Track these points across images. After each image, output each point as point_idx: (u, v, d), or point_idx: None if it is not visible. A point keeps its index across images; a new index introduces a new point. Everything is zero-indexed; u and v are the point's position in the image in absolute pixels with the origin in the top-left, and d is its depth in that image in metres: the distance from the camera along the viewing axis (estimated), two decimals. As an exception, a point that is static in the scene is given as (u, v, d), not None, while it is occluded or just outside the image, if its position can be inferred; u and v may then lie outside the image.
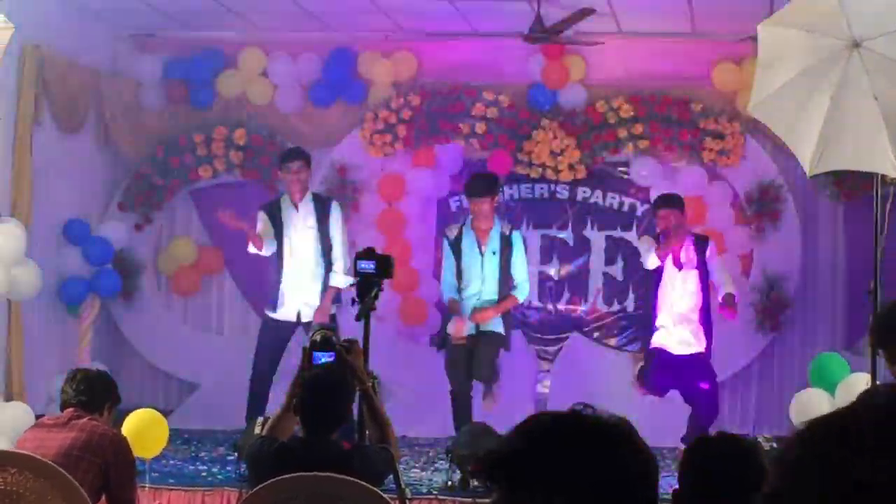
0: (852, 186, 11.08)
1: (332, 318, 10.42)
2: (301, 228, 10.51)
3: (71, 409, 6.28)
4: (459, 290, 10.36)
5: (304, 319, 10.38)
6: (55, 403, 6.47)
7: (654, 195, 11.12)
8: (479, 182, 10.49)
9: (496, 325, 10.36)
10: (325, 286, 10.48)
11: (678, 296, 10.15)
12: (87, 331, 11.65)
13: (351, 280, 10.42)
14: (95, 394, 6.36)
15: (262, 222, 10.53)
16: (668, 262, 10.15)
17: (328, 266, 10.48)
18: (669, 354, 10.09)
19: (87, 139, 11.85)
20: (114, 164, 12.36)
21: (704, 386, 9.99)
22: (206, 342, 12.39)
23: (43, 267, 10.31)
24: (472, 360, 10.27)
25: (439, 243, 11.54)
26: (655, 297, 10.29)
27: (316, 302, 10.44)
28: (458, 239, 10.39)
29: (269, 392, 10.22)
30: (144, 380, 12.32)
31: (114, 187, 12.35)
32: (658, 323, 10.20)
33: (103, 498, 6.16)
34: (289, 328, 10.50)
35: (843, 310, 11.74)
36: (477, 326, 10.28)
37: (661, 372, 10.14)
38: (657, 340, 10.18)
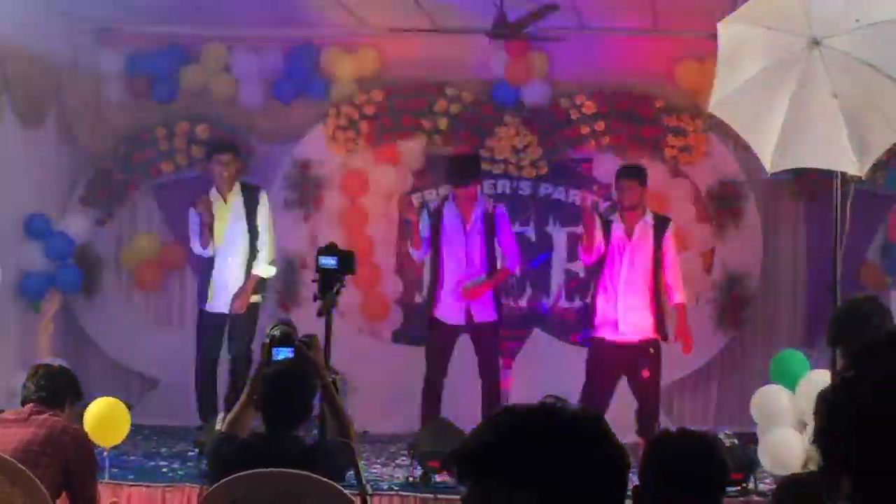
0: (813, 184, 11.11)
1: (255, 307, 10.41)
2: (231, 220, 10.44)
3: (31, 405, 6.24)
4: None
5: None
6: (15, 399, 6.44)
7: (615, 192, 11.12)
8: (460, 167, 10.49)
9: (489, 314, 10.30)
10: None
11: (625, 270, 10.00)
12: (47, 326, 11.61)
13: (274, 270, 10.51)
14: (57, 389, 6.32)
15: (195, 224, 10.50)
16: (619, 232, 10.05)
17: (255, 255, 10.44)
18: (612, 344, 10.03)
19: (48, 134, 11.79)
20: (75, 159, 12.29)
21: (645, 374, 9.89)
22: (168, 338, 12.33)
23: (3, 262, 10.29)
24: (476, 357, 10.27)
25: (405, 237, 11.58)
26: (599, 280, 10.12)
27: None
28: (439, 213, 10.35)
29: (216, 385, 10.28)
30: (105, 375, 12.26)
31: (75, 182, 12.29)
32: (599, 305, 10.07)
33: (63, 495, 6.13)
34: (223, 320, 10.48)
35: (804, 307, 11.80)
36: (470, 316, 10.24)
37: (606, 366, 10.07)
38: (601, 324, 10.08)
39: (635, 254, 9.99)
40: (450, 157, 11.12)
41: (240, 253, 10.46)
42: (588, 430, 2.18)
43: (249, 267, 10.45)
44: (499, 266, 10.31)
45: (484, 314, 10.23)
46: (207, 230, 10.37)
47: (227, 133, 12.12)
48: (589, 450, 2.16)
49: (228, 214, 10.46)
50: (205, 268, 10.61)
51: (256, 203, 10.49)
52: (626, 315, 9.96)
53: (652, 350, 9.96)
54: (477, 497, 2.17)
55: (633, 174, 10.11)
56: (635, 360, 9.92)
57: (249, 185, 10.75)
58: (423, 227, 10.26)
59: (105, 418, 8.34)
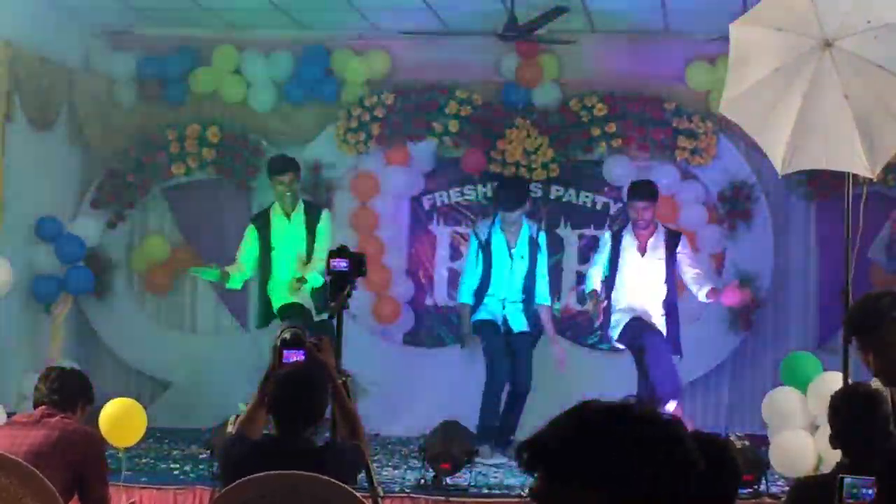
0: (824, 186, 11.10)
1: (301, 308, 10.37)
2: (292, 240, 10.41)
3: (43, 407, 6.24)
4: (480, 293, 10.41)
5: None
6: (27, 401, 6.44)
7: (623, 193, 11.13)
8: (512, 192, 10.66)
9: (524, 325, 10.44)
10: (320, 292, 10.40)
11: (639, 286, 10.14)
12: (58, 329, 11.61)
13: (321, 280, 10.49)
14: (69, 392, 6.32)
15: (247, 241, 10.46)
16: (630, 250, 10.13)
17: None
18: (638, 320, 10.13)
19: (59, 136, 11.80)
20: (86, 162, 12.31)
21: (665, 352, 10.00)
22: (179, 341, 12.35)
23: (15, 264, 10.31)
24: (512, 363, 10.34)
25: (416, 240, 11.63)
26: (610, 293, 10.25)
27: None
28: (489, 240, 10.41)
29: None
30: (117, 378, 12.26)
31: (86, 185, 12.30)
32: (613, 319, 10.20)
33: (75, 496, 6.13)
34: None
35: (815, 309, 11.77)
36: (509, 326, 10.33)
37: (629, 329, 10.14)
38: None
39: (648, 270, 10.09)
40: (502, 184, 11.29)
41: (295, 267, 10.41)
42: (665, 433, 2.14)
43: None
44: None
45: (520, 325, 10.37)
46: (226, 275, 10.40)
47: (238, 136, 12.13)
48: (665, 452, 2.12)
49: (292, 233, 10.41)
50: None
51: (317, 222, 10.45)
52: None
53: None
54: (546, 490, 2.12)
55: (646, 195, 10.18)
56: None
57: (313, 204, 10.76)
58: (473, 255, 10.54)
59: (120, 419, 8.37)
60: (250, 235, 10.46)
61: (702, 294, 10.18)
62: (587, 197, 12.10)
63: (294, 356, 5.71)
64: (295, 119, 12.28)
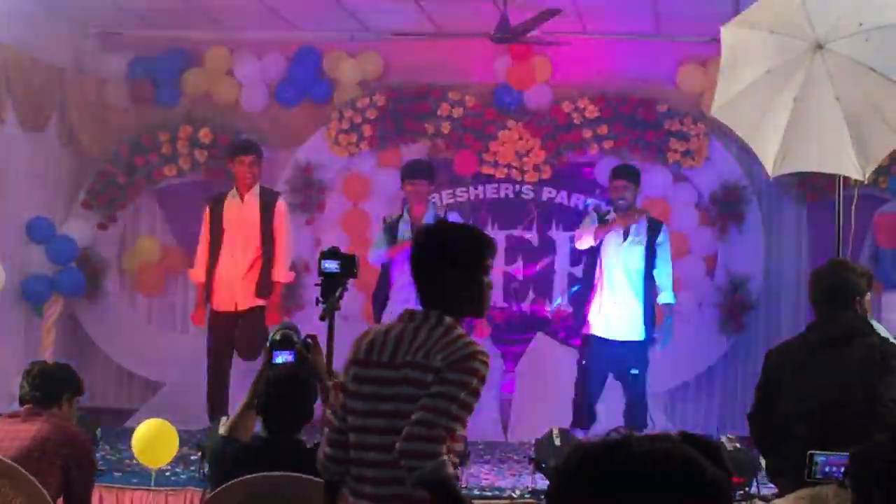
0: (816, 188, 11.12)
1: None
2: (244, 220, 10.44)
3: (29, 406, 6.21)
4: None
5: (241, 308, 10.39)
6: (17, 402, 6.42)
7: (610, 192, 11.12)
8: (414, 165, 10.66)
9: None
10: (265, 280, 10.46)
11: (619, 269, 10.08)
12: (50, 330, 11.61)
13: (293, 275, 10.54)
14: (51, 387, 6.26)
15: (204, 225, 10.56)
16: (612, 234, 10.09)
17: (269, 260, 10.43)
18: (604, 340, 10.08)
19: (51, 137, 11.80)
20: (78, 163, 12.30)
21: (634, 373, 9.99)
22: (170, 341, 12.35)
23: (6, 265, 10.29)
24: None
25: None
26: (592, 276, 10.22)
27: (250, 295, 10.40)
28: (395, 225, 10.43)
29: (229, 384, 10.29)
30: (108, 379, 12.28)
31: (78, 186, 12.29)
32: (594, 304, 10.15)
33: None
34: (232, 319, 10.45)
35: (807, 311, 11.71)
36: None
37: (598, 360, 10.12)
38: (593, 321, 10.15)
39: (629, 255, 10.06)
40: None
41: (249, 254, 10.45)
42: (671, 468, 2.08)
43: (261, 269, 10.44)
44: None
45: None
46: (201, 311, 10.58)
47: (233, 136, 12.14)
48: (679, 489, 2.09)
49: (244, 213, 10.44)
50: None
51: (273, 208, 10.51)
52: (616, 315, 10.04)
53: (640, 350, 10.04)
54: None
55: (626, 174, 10.19)
56: (624, 359, 9.99)
57: (269, 190, 10.79)
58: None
59: (153, 439, 8.40)
60: (206, 221, 10.60)
61: (660, 297, 10.15)
62: (578, 199, 12.10)
63: (282, 357, 5.71)
64: (287, 120, 12.27)
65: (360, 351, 4.39)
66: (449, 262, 4.33)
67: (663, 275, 10.13)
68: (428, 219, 10.22)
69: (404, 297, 9.54)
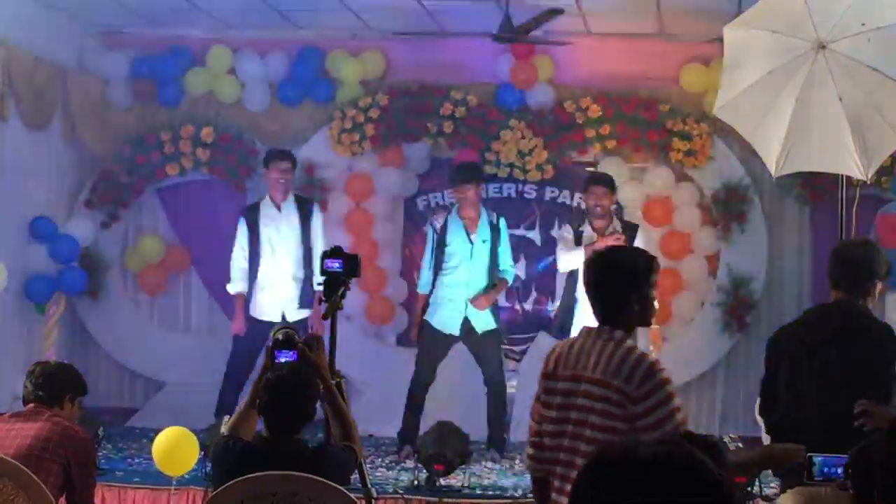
0: (818, 188, 11.12)
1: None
2: (283, 229, 10.56)
3: (32, 405, 6.22)
4: (435, 280, 10.39)
5: (290, 319, 10.40)
6: (20, 401, 6.42)
7: (620, 195, 11.11)
8: (464, 169, 10.57)
9: (490, 322, 10.41)
10: (307, 288, 10.49)
11: None
12: (52, 329, 11.61)
13: None
14: (54, 387, 6.26)
15: (241, 235, 10.69)
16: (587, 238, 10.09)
17: (308, 268, 10.48)
18: None
19: (53, 136, 11.80)
20: (80, 162, 12.30)
21: None
22: (173, 341, 12.35)
23: (8, 264, 10.29)
24: (479, 363, 10.39)
25: (410, 240, 11.62)
26: (574, 289, 10.11)
27: (294, 304, 10.48)
28: (444, 228, 10.41)
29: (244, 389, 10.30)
30: (110, 378, 12.29)
31: (80, 185, 12.30)
32: (577, 310, 10.05)
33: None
34: (268, 328, 10.48)
35: (809, 311, 11.76)
36: (471, 326, 10.30)
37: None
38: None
39: None
40: (452, 165, 11.21)
41: (289, 263, 10.57)
42: (675, 470, 2.11)
43: (296, 277, 10.52)
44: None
45: (484, 322, 10.35)
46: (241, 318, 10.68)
47: (233, 136, 12.14)
48: (683, 491, 2.10)
49: (281, 224, 10.62)
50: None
51: (310, 215, 10.72)
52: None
53: None
54: None
55: (603, 181, 10.23)
56: None
57: (303, 197, 10.97)
58: (430, 246, 10.57)
59: (174, 447, 8.39)
60: (241, 232, 10.70)
61: None
62: (581, 198, 12.08)
63: (284, 356, 5.71)
64: (289, 119, 12.27)
65: (548, 365, 5.01)
66: (629, 282, 4.91)
67: None
68: (483, 222, 10.32)
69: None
